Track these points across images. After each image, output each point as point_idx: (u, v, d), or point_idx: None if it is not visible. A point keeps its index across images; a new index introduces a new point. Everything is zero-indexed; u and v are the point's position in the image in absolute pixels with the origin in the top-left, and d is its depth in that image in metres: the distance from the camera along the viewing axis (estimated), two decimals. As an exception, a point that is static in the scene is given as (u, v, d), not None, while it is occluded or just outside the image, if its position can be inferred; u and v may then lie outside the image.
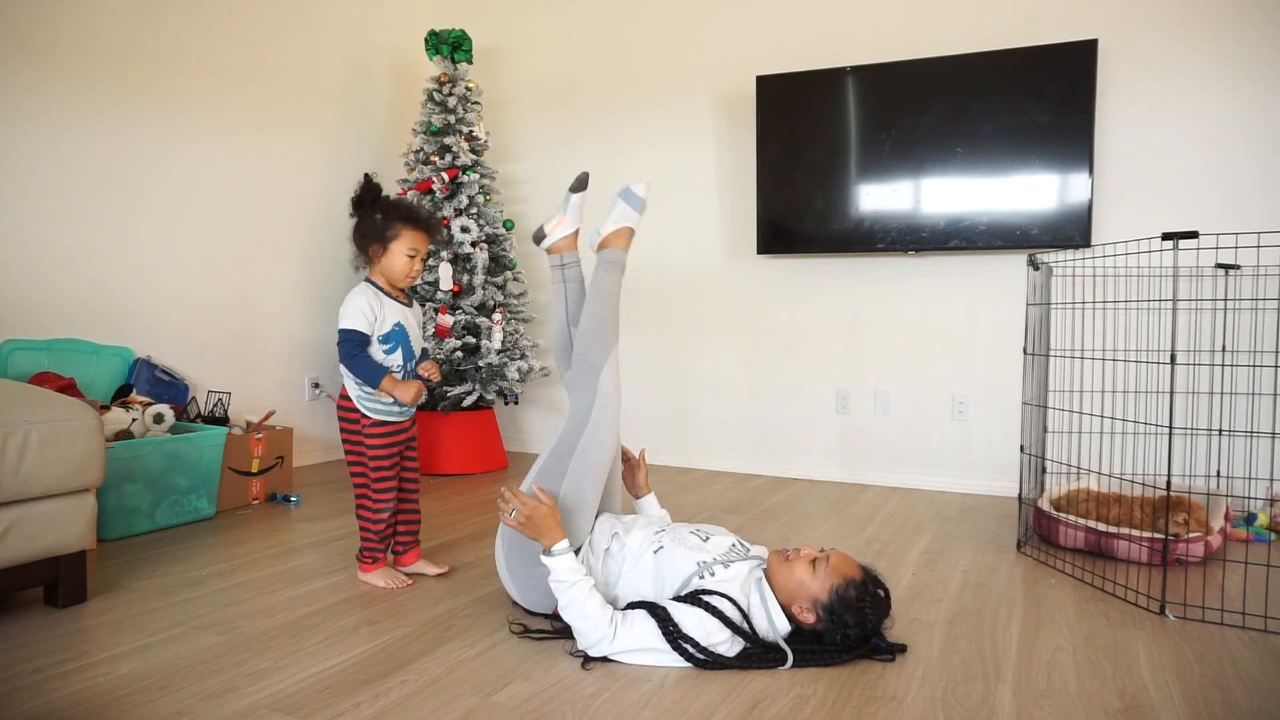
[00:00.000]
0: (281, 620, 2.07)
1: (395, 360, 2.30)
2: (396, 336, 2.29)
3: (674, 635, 1.76)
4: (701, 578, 1.88)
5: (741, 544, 2.04)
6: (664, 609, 1.80)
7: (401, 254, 2.26)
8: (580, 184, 2.41)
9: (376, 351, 2.28)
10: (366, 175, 2.32)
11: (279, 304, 3.95)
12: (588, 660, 1.81)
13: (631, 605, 1.87)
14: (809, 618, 1.83)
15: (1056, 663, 1.85)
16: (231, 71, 3.67)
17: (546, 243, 2.41)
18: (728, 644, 1.79)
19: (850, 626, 1.80)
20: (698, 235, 4.11)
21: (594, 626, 1.80)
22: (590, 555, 2.03)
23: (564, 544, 1.87)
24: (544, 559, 1.87)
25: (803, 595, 1.83)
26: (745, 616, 1.82)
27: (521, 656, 1.86)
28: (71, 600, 2.16)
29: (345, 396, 2.33)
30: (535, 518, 1.88)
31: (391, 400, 2.29)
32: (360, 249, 2.31)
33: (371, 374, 2.23)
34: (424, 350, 2.43)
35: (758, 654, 1.81)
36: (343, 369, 2.27)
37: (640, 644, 1.78)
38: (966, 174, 3.43)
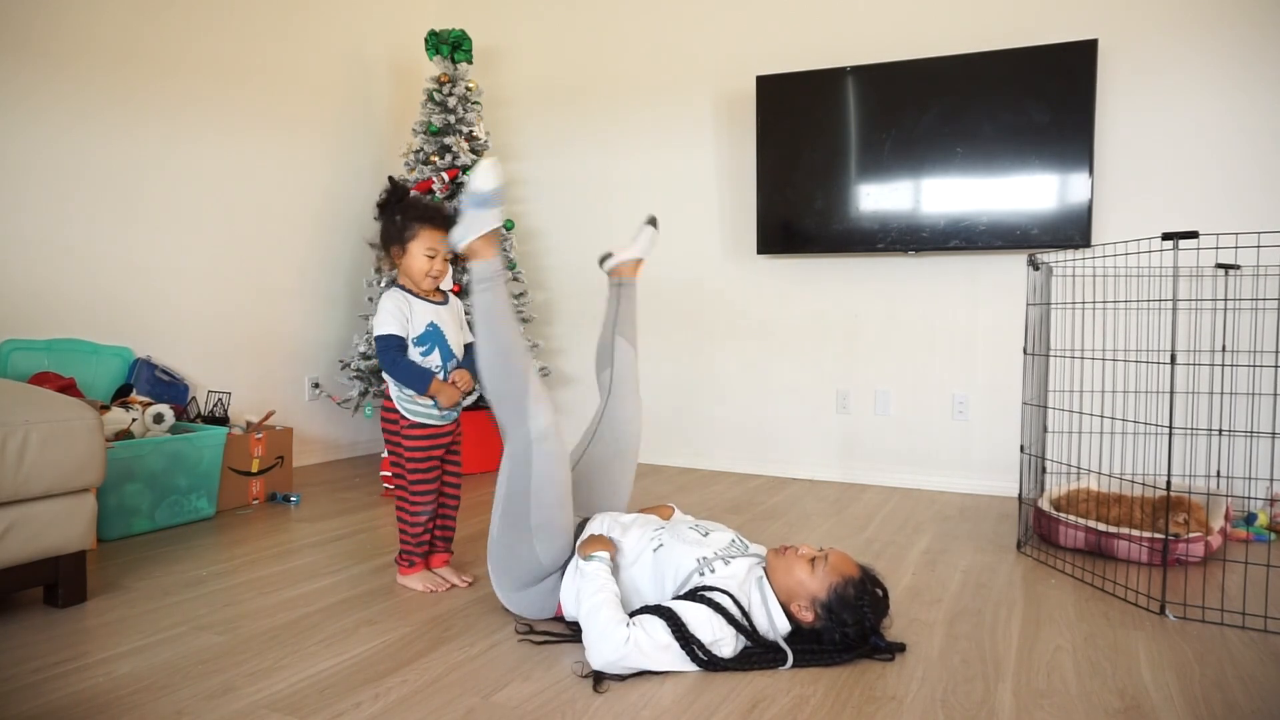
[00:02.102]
0: (281, 620, 2.07)
1: (434, 361, 2.28)
2: (431, 337, 2.28)
3: (684, 636, 1.74)
4: (702, 574, 1.88)
5: (741, 540, 2.04)
6: (669, 609, 1.79)
7: (420, 254, 2.25)
8: (653, 220, 2.50)
9: (414, 355, 2.26)
10: (391, 178, 2.32)
11: (279, 303, 3.95)
12: (600, 680, 1.72)
13: (636, 612, 1.84)
14: (807, 616, 1.83)
15: (1056, 663, 1.85)
16: (231, 71, 3.67)
17: (610, 264, 2.49)
18: (730, 641, 1.79)
19: (849, 625, 1.81)
20: (698, 235, 4.11)
21: (610, 627, 1.75)
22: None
23: (603, 555, 1.93)
24: (581, 563, 1.93)
25: (801, 594, 1.83)
26: (745, 614, 1.82)
27: (521, 657, 1.86)
28: (71, 600, 2.16)
29: (388, 397, 2.33)
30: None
31: (432, 403, 2.28)
32: (384, 251, 2.31)
33: (417, 380, 2.23)
34: (466, 348, 2.39)
35: (758, 654, 1.81)
36: (386, 375, 2.28)
37: (658, 642, 1.73)
38: (966, 174, 3.43)
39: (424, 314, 2.28)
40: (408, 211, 2.27)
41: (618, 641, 1.73)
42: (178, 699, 1.65)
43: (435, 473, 2.34)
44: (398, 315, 2.23)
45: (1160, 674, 1.80)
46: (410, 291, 2.29)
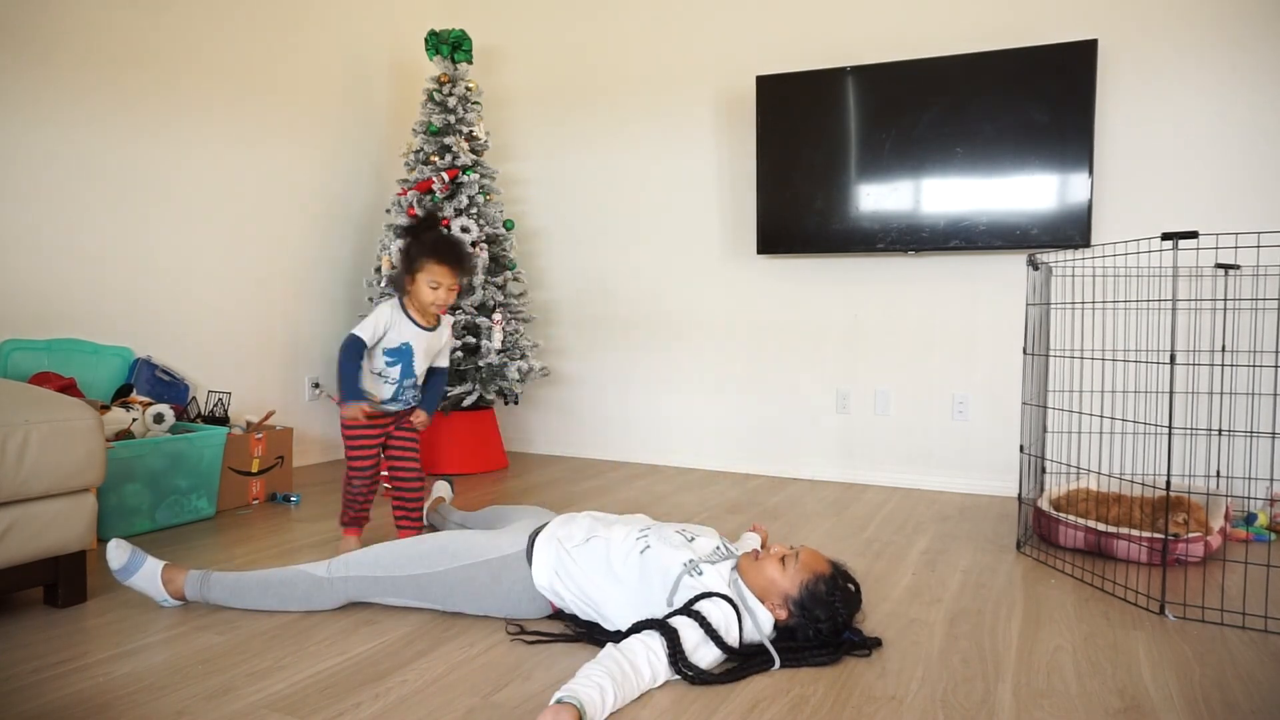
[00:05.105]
0: (281, 620, 2.07)
1: (393, 373, 2.52)
2: (401, 354, 2.49)
3: (676, 658, 1.69)
4: (691, 576, 1.87)
5: (726, 546, 2.03)
6: (672, 628, 1.72)
7: (425, 285, 2.44)
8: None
9: (378, 358, 2.50)
10: (430, 212, 2.58)
11: (279, 303, 3.95)
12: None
13: (634, 628, 1.78)
14: (781, 614, 1.84)
15: (1056, 663, 1.85)
16: (231, 72, 3.67)
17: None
18: (722, 656, 1.76)
19: (821, 621, 1.81)
20: (698, 235, 4.11)
21: (647, 656, 1.66)
22: (560, 550, 1.99)
23: (583, 705, 1.50)
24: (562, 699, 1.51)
25: (774, 592, 1.84)
26: (738, 616, 1.81)
27: (521, 656, 1.86)
28: (71, 600, 2.16)
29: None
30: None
31: (373, 389, 2.52)
32: (400, 275, 2.50)
33: (348, 385, 2.45)
34: (429, 371, 2.61)
35: (745, 665, 1.77)
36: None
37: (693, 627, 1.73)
38: (966, 174, 3.43)
39: (405, 333, 2.48)
40: (418, 241, 2.44)
41: (659, 651, 1.67)
42: (178, 699, 1.65)
43: (370, 456, 2.56)
44: (378, 326, 2.46)
45: (1160, 674, 1.80)
46: (407, 312, 2.48)
